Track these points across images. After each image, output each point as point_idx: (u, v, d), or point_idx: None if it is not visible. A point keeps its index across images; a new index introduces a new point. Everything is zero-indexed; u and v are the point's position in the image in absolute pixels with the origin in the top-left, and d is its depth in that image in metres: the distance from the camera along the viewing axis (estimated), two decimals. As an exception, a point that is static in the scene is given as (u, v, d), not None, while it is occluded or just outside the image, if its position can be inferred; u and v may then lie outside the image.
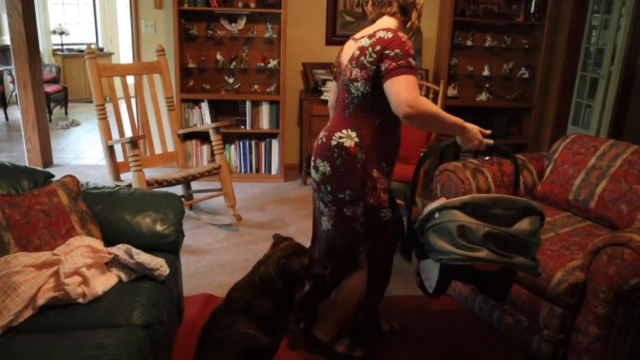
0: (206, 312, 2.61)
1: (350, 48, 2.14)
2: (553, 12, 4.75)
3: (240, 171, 4.92)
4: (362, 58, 2.00)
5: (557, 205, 2.95)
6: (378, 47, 1.95)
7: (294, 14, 4.65)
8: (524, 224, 1.84)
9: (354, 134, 2.07)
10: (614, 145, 2.81)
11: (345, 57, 2.14)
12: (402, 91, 1.89)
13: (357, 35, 2.15)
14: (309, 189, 4.70)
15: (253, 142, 4.86)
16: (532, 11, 4.79)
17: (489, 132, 2.09)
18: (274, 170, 4.94)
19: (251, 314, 1.91)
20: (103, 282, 2.00)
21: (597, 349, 2.21)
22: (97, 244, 2.10)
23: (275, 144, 4.85)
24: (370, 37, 2.00)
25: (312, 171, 2.20)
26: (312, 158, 2.19)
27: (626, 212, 2.54)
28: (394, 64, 1.91)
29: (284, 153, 4.86)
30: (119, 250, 2.11)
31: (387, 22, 2.08)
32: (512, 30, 4.94)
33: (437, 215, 1.87)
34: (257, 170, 4.95)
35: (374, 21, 2.16)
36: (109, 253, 2.09)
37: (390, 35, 1.96)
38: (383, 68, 1.94)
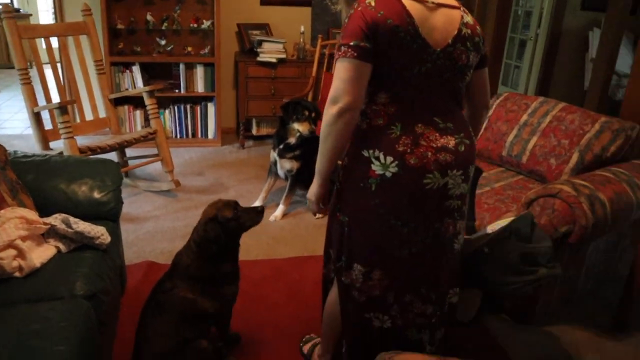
0: (149, 280, 2.58)
1: (441, 19, 1.55)
2: (484, -26, 4.84)
3: (176, 136, 4.78)
4: (477, 39, 1.62)
5: (491, 160, 3.08)
6: (479, 29, 1.65)
7: (227, -29, 4.48)
8: (539, 235, 1.88)
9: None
10: (544, 102, 2.95)
11: (438, 33, 1.55)
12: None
13: (439, 0, 1.57)
14: (247, 153, 4.65)
15: (188, 106, 4.71)
16: (464, -28, 4.85)
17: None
18: (210, 135, 4.83)
19: (192, 278, 1.89)
20: (40, 254, 1.91)
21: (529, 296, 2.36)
22: (31, 214, 2.00)
23: (211, 107, 4.73)
24: (465, 12, 1.61)
25: (462, 184, 1.64)
26: (458, 167, 1.60)
27: (555, 166, 2.69)
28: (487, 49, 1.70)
29: (221, 117, 4.75)
30: (56, 220, 2.01)
31: None
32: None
33: (486, 249, 1.80)
34: (194, 135, 4.82)
35: None
36: (45, 224, 1.99)
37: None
38: (483, 52, 1.68)
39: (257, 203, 3.49)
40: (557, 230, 2.19)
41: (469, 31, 1.59)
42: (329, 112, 1.53)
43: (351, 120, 1.55)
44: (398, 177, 1.55)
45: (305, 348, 2.19)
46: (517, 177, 2.89)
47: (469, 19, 1.61)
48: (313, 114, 3.31)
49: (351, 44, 1.49)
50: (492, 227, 1.88)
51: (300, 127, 3.28)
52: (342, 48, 1.51)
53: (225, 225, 1.88)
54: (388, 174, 1.56)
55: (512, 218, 1.90)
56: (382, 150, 1.56)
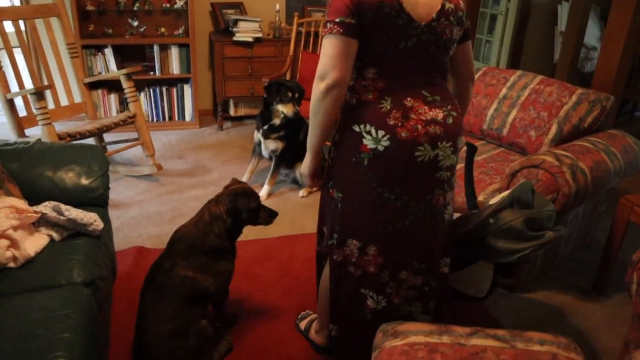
0: (140, 265, 2.58)
1: None
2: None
3: (153, 119, 4.70)
4: (460, 13, 1.64)
5: (473, 134, 3.14)
6: (462, 3, 1.67)
7: (198, -51, 4.38)
8: (540, 201, 1.91)
9: None
10: (522, 75, 3.01)
11: (422, 8, 1.57)
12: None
13: None
14: (226, 134, 4.62)
15: (164, 89, 4.63)
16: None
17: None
18: (187, 117, 4.77)
19: (194, 253, 1.92)
20: (34, 243, 1.88)
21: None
22: (21, 203, 1.96)
23: (187, 89, 4.66)
24: None
25: (452, 155, 1.68)
26: (447, 139, 1.64)
27: (535, 138, 2.77)
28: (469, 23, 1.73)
29: (197, 98, 4.70)
30: (46, 208, 1.98)
31: None
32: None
33: (491, 220, 1.83)
34: (170, 118, 4.75)
35: None
36: (35, 212, 1.96)
37: None
38: (466, 27, 1.71)
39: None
40: (541, 200, 2.27)
41: (452, 6, 1.63)
42: (317, 88, 1.56)
43: (339, 96, 1.57)
44: (390, 150, 1.59)
45: (302, 324, 2.23)
46: (498, 150, 2.96)
47: None
48: (296, 95, 3.30)
49: (337, 20, 1.51)
50: (493, 201, 1.93)
51: (284, 109, 3.27)
52: (328, 25, 1.53)
53: (247, 208, 1.99)
54: (380, 148, 1.59)
55: (508, 191, 1.94)
56: (374, 124, 1.60)
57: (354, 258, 1.76)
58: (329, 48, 1.53)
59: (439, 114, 1.62)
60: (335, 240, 1.78)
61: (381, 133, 1.59)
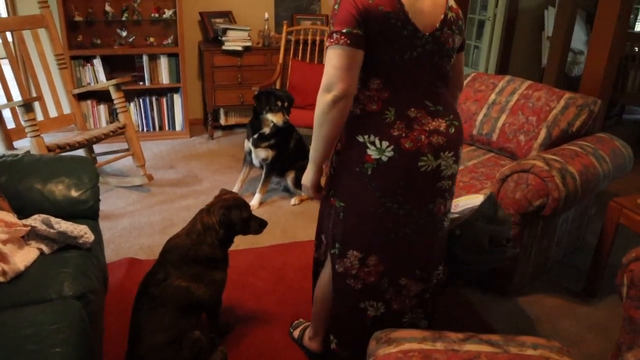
0: (132, 277, 2.56)
1: (428, 3, 1.56)
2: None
3: (143, 130, 4.69)
4: (460, 22, 1.65)
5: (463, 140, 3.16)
6: (460, 12, 1.68)
7: (186, -41, 4.39)
8: (503, 216, 1.97)
9: None
10: (511, 81, 3.04)
11: (427, 18, 1.56)
12: None
13: None
14: (217, 143, 4.61)
15: (154, 99, 4.62)
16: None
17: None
18: (178, 127, 4.76)
19: (187, 262, 1.91)
20: (23, 257, 1.87)
21: (507, 266, 2.46)
22: (9, 217, 1.94)
23: (177, 98, 4.66)
24: None
25: (453, 165, 1.68)
26: (449, 149, 1.63)
27: (524, 142, 2.79)
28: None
29: (188, 108, 4.69)
30: (36, 221, 1.96)
31: None
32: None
33: (457, 232, 1.86)
34: (161, 128, 4.74)
35: None
36: (25, 225, 1.94)
37: None
38: (464, 36, 1.72)
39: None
40: (532, 204, 2.28)
41: (454, 15, 1.63)
42: (323, 100, 1.53)
43: (345, 108, 1.56)
44: (394, 160, 1.59)
45: (296, 333, 2.22)
46: (488, 155, 2.98)
47: (452, 2, 1.64)
48: (286, 104, 3.30)
49: (343, 31, 1.48)
50: (456, 203, 1.97)
51: (274, 118, 3.27)
52: (334, 35, 1.50)
53: (240, 219, 1.99)
54: (384, 158, 1.59)
55: (475, 196, 2.00)
56: (378, 135, 1.59)
57: (354, 270, 1.76)
58: (335, 59, 1.50)
59: (442, 124, 1.62)
60: (337, 250, 1.77)
61: (385, 144, 1.59)
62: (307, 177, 1.77)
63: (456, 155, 1.68)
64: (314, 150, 1.67)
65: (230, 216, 1.96)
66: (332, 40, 1.50)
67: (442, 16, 1.59)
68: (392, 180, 1.62)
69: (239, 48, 4.40)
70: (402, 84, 1.60)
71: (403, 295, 1.80)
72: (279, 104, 3.26)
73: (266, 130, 3.34)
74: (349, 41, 1.48)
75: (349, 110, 1.59)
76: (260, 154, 3.40)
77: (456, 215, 1.93)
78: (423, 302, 1.84)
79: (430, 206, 1.69)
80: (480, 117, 3.03)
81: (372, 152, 1.60)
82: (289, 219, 3.29)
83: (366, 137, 1.60)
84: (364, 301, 1.79)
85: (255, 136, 3.37)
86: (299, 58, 4.42)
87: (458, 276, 2.09)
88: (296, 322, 2.29)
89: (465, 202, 2.00)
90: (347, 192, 1.70)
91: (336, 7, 1.52)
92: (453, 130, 1.65)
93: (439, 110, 1.63)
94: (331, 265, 1.84)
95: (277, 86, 4.33)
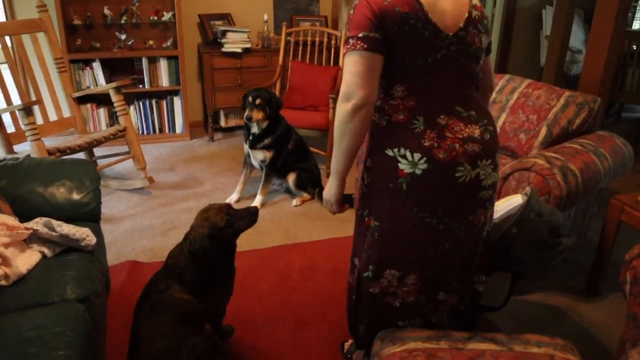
0: (134, 280, 2.56)
1: (450, 2, 1.48)
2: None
3: (143, 132, 4.69)
4: (485, 21, 1.56)
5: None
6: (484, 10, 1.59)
7: (184, -38, 4.40)
8: (548, 209, 1.89)
9: None
10: (510, 80, 3.04)
11: (449, 18, 1.48)
12: None
13: None
14: (217, 146, 4.61)
15: (154, 101, 4.62)
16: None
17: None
18: (178, 129, 4.76)
19: (186, 282, 1.88)
20: (25, 260, 1.86)
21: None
22: (11, 220, 1.94)
23: (177, 101, 4.66)
24: None
25: (493, 173, 1.58)
26: (487, 156, 1.54)
27: (525, 141, 2.79)
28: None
29: (188, 110, 4.69)
30: (37, 224, 1.96)
31: None
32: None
33: (514, 230, 1.75)
34: (161, 130, 4.74)
35: None
36: (27, 229, 1.94)
37: None
38: (490, 38, 1.62)
39: (235, 195, 3.48)
40: (533, 203, 2.28)
41: (479, 13, 1.54)
42: (343, 109, 1.45)
43: (367, 116, 1.48)
44: (429, 173, 1.49)
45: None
46: (489, 154, 2.98)
47: (476, 0, 1.55)
48: (258, 101, 3.26)
49: (360, 35, 1.41)
50: (495, 209, 1.84)
51: (252, 115, 3.26)
52: (351, 40, 1.42)
53: (219, 235, 1.84)
54: (418, 172, 1.49)
55: (509, 197, 1.92)
56: (408, 147, 1.49)
57: (392, 288, 1.67)
58: (353, 66, 1.42)
59: (476, 131, 1.51)
60: (370, 272, 1.67)
61: (417, 156, 1.48)
62: (330, 192, 1.67)
63: (494, 163, 1.57)
64: (336, 163, 1.57)
65: (212, 243, 1.82)
66: (348, 46, 1.43)
67: (467, 15, 1.50)
68: (429, 194, 1.52)
69: (239, 50, 4.40)
70: (428, 89, 1.50)
71: (441, 310, 1.73)
72: (250, 99, 3.27)
73: (255, 129, 3.35)
74: (366, 45, 1.41)
75: (370, 118, 1.51)
76: (258, 156, 3.40)
77: (497, 222, 1.83)
78: (458, 314, 1.75)
79: (470, 217, 1.59)
80: (481, 116, 3.02)
81: (404, 167, 1.50)
82: (291, 220, 3.29)
83: (396, 150, 1.51)
84: (404, 320, 1.72)
85: (250, 138, 3.37)
86: (299, 59, 4.43)
87: (518, 279, 1.98)
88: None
89: (503, 205, 1.91)
90: (382, 210, 1.60)
91: (351, 11, 1.45)
92: (488, 136, 1.54)
93: (471, 116, 1.52)
94: (363, 289, 1.73)
95: (277, 87, 4.33)
